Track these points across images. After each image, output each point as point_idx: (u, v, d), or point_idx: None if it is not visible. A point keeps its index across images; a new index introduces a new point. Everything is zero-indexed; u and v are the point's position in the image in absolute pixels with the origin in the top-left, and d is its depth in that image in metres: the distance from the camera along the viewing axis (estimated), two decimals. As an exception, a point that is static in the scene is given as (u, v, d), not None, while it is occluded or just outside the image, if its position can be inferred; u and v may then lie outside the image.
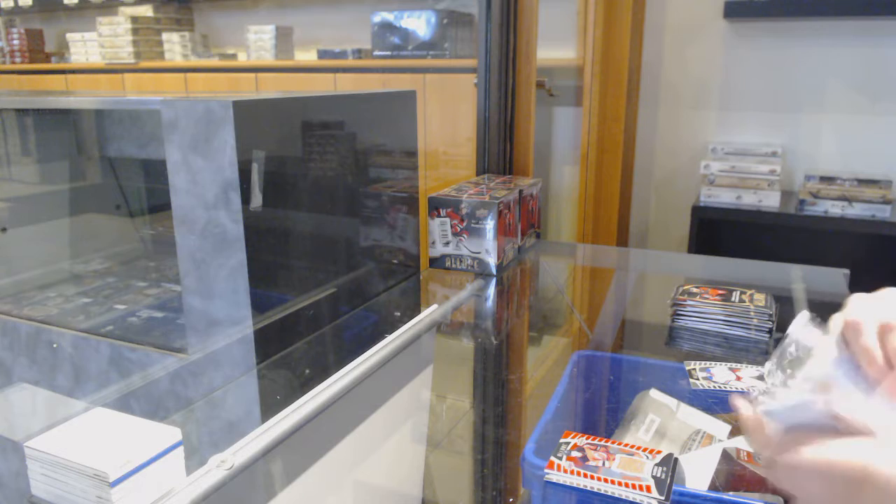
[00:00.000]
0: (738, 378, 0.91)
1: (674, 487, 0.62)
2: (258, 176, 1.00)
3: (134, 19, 3.58)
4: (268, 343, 1.05)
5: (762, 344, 1.11)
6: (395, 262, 1.41)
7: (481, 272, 1.42)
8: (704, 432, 0.84)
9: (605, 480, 0.64)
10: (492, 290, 1.39)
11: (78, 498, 0.56)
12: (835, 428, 0.46)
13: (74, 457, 0.56)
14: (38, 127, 1.61)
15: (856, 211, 2.28)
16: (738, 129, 2.69)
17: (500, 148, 1.73)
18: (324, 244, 1.19)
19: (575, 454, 0.68)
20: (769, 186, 2.42)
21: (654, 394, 0.90)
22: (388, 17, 2.88)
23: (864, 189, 2.31)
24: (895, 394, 0.47)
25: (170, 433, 0.60)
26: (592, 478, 0.64)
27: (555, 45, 2.70)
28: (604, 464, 0.66)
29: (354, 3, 3.31)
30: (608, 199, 2.63)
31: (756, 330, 1.12)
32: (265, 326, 1.05)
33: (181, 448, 0.60)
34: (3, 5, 4.16)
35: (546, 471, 0.66)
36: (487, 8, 1.65)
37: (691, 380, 0.90)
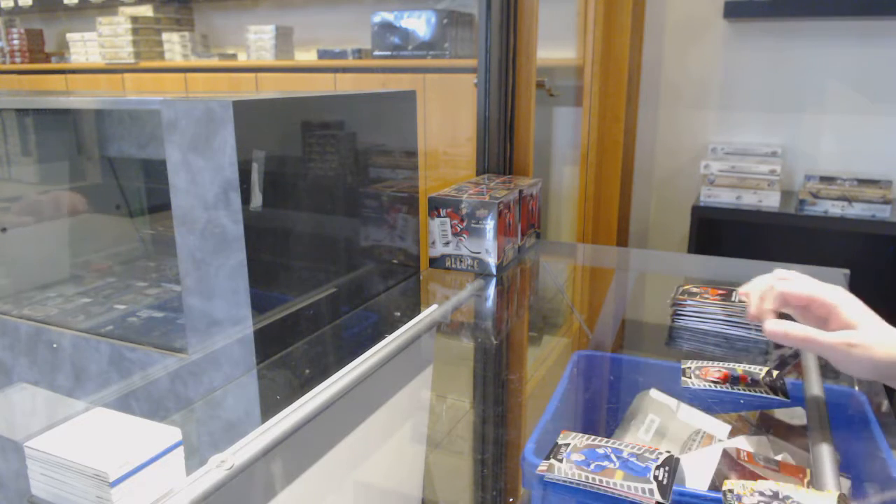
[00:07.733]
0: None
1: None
2: (258, 176, 1.00)
3: (134, 19, 3.58)
4: (268, 343, 1.05)
5: (762, 344, 1.11)
6: (395, 262, 1.41)
7: (481, 272, 1.42)
8: (704, 432, 0.84)
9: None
10: (492, 290, 1.39)
11: (78, 498, 0.56)
12: None
13: (74, 457, 0.56)
14: (38, 127, 1.61)
15: (856, 211, 2.28)
16: (738, 129, 2.69)
17: (500, 148, 1.73)
18: (324, 244, 1.19)
19: (575, 454, 0.67)
20: (769, 186, 2.42)
21: (654, 394, 0.90)
22: (388, 17, 2.88)
23: (864, 189, 2.31)
24: None
25: (170, 433, 0.60)
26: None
27: (555, 45, 2.70)
28: (604, 464, 0.66)
29: (354, 3, 3.31)
30: (608, 199, 2.63)
31: (756, 330, 1.12)
32: (265, 326, 1.05)
33: (181, 448, 0.60)
34: (3, 5, 4.16)
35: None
36: (487, 8, 1.65)
37: (682, 378, 0.89)
